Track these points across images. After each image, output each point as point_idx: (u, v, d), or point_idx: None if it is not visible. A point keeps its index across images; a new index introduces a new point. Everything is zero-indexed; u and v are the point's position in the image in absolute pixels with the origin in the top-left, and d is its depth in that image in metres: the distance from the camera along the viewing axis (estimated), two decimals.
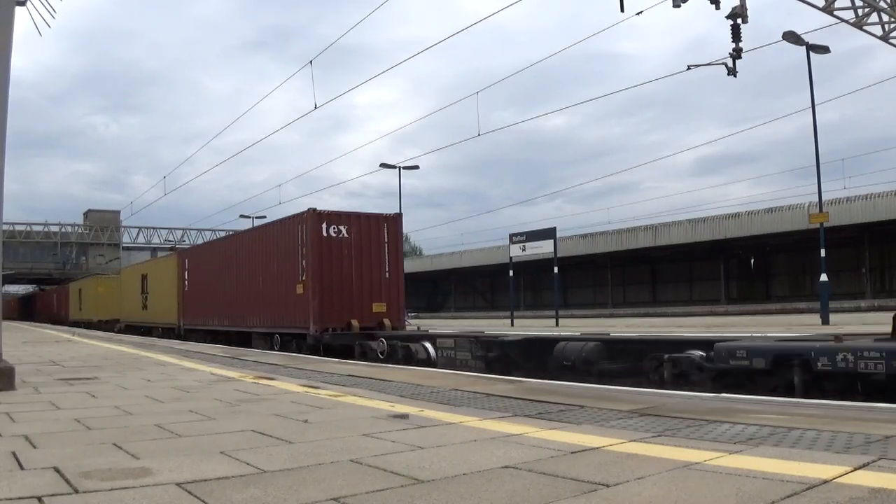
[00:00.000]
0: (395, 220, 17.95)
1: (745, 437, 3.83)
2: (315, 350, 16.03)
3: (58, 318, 51.81)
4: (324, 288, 16.69)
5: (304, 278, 17.03)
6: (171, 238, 64.03)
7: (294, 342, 17.42)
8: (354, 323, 16.68)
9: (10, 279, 57.94)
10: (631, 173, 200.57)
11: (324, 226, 16.84)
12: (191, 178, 67.51)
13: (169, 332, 26.26)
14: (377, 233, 17.53)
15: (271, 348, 17.61)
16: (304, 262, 17.06)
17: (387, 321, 17.04)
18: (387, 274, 17.53)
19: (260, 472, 3.16)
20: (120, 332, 31.02)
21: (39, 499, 2.69)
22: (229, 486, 2.90)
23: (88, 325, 39.02)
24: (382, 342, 15.73)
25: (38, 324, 48.32)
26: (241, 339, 19.86)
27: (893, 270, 39.13)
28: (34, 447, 3.79)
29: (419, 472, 3.13)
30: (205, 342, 20.28)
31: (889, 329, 8.52)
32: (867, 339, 7.92)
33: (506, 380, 7.76)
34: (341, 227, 17.00)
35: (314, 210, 16.99)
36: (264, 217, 38.43)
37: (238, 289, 20.87)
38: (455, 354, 13.93)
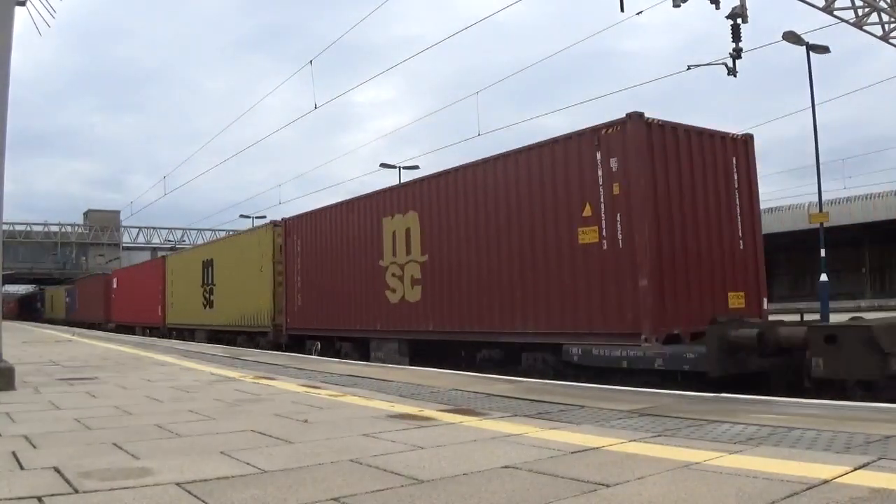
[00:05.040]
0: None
1: (745, 437, 3.83)
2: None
3: None
4: None
5: None
6: (171, 238, 63.98)
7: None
8: None
9: (10, 279, 57.86)
10: None
11: None
12: (190, 177, 67.61)
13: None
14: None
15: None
16: None
17: None
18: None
19: (260, 472, 3.16)
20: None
21: (39, 499, 2.69)
22: (229, 486, 2.90)
23: None
24: None
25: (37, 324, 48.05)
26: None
27: (893, 270, 39.09)
28: (34, 447, 3.79)
29: (419, 471, 3.13)
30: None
31: None
32: None
33: (506, 380, 7.76)
34: None
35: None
36: (264, 217, 37.40)
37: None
38: None
